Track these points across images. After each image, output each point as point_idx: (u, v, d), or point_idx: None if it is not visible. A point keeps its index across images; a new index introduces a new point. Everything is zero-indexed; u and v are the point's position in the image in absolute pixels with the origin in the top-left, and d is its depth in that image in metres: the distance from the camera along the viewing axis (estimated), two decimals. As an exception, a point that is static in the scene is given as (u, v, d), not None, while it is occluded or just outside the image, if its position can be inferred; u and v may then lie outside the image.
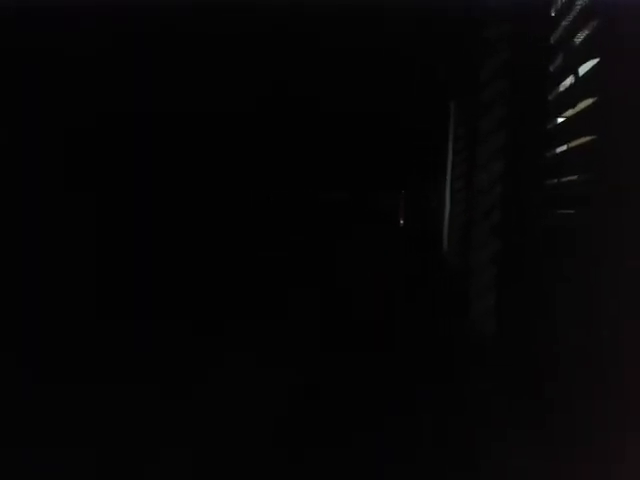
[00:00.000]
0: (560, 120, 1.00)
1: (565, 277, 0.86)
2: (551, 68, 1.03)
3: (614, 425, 0.62)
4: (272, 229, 2.68)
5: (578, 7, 0.88)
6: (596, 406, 0.66)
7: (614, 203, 0.67)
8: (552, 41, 1.01)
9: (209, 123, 2.26)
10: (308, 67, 2.31)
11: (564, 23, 0.95)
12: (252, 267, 2.33)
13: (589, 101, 0.86)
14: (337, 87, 2.53)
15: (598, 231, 0.72)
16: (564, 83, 0.98)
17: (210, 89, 2.19)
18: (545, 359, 0.89)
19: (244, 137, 2.50)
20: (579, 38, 0.88)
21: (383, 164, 3.13)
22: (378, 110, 2.73)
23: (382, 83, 2.43)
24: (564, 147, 0.97)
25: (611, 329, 0.65)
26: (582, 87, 0.87)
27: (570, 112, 0.94)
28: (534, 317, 0.94)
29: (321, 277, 2.33)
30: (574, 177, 0.91)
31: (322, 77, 2.42)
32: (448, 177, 2.23)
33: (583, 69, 0.87)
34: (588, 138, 0.85)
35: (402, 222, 3.19)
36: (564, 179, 0.96)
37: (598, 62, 0.77)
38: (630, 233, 0.64)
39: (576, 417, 0.72)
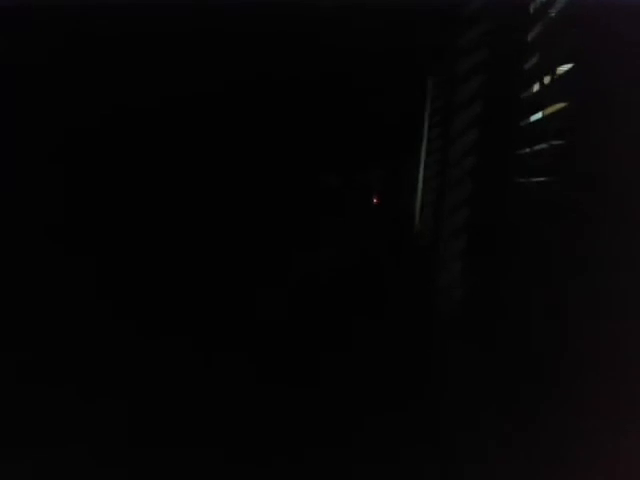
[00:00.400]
0: (535, 88, 0.98)
1: (536, 247, 0.86)
2: (528, 37, 1.02)
3: (584, 393, 0.62)
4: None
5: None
6: (569, 376, 0.65)
7: (587, 169, 0.66)
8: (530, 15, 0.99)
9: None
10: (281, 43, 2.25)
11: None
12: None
13: (564, 69, 0.85)
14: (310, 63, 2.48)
15: (572, 199, 0.71)
16: (539, 50, 0.96)
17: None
18: (511, 328, 0.89)
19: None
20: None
21: (356, 142, 3.09)
22: (350, 86, 2.70)
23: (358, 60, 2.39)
24: (538, 115, 0.96)
25: (584, 298, 0.64)
26: (556, 56, 0.86)
27: (546, 79, 0.93)
28: (502, 287, 0.94)
29: (291, 257, 2.31)
30: (547, 145, 0.90)
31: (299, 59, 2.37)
32: (423, 153, 2.22)
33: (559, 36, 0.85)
34: (562, 104, 0.84)
35: (375, 201, 3.18)
36: (537, 147, 0.95)
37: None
38: (605, 199, 0.63)
39: (545, 388, 0.72)
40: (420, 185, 2.22)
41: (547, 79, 0.92)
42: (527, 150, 0.98)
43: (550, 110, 0.90)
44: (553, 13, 0.87)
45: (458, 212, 1.24)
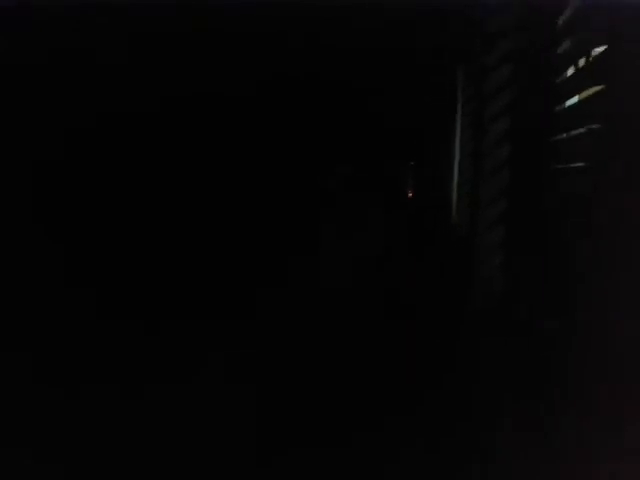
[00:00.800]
0: (569, 73, 0.96)
1: (575, 238, 0.84)
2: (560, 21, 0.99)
3: (622, 391, 0.61)
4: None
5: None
6: (608, 370, 0.64)
7: (627, 161, 0.65)
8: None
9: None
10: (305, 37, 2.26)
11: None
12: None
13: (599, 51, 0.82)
14: (339, 58, 2.47)
15: (610, 191, 0.69)
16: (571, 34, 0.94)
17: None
18: (551, 322, 0.87)
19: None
20: None
21: (390, 135, 3.07)
22: (381, 81, 2.68)
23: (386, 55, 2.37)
24: (574, 100, 0.94)
25: (622, 290, 0.63)
26: (589, 39, 0.83)
27: (580, 62, 0.90)
28: (542, 278, 0.93)
29: (327, 250, 2.32)
30: (584, 129, 0.87)
31: (323, 48, 2.37)
32: (457, 143, 2.19)
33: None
34: (597, 88, 0.82)
35: (410, 193, 3.15)
36: (574, 134, 0.93)
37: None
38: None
39: (585, 382, 0.71)
40: (455, 176, 2.18)
41: (581, 63, 0.90)
42: (564, 136, 0.96)
43: (585, 94, 0.88)
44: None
45: (495, 203, 1.22)
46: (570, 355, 0.76)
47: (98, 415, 1.10)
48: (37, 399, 1.14)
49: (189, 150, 2.12)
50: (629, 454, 0.55)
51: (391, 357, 1.29)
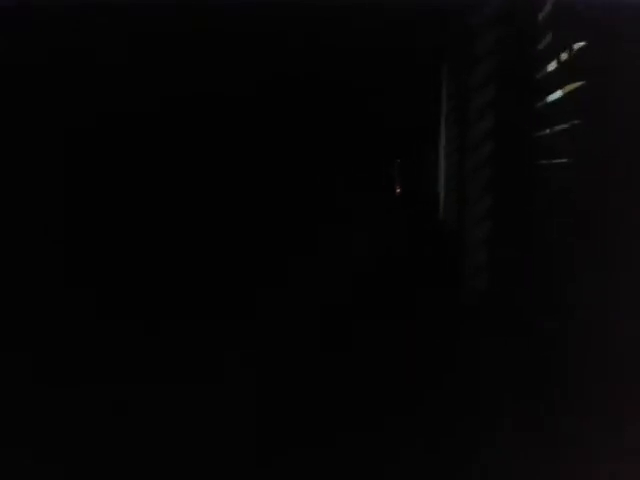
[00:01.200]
0: (551, 67, 0.96)
1: (561, 234, 0.84)
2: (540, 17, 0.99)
3: (611, 384, 0.61)
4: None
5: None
6: (594, 366, 0.64)
7: (611, 156, 0.65)
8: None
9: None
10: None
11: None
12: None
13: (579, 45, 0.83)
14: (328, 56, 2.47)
15: (596, 183, 0.69)
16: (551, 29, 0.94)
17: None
18: (537, 315, 0.87)
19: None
20: None
21: (375, 133, 3.07)
22: (366, 80, 2.68)
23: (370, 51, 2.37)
24: (557, 95, 0.94)
25: (609, 285, 0.63)
26: (569, 35, 0.83)
27: (563, 56, 0.90)
28: (527, 273, 0.93)
29: (313, 250, 2.32)
30: (567, 125, 0.87)
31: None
32: (442, 140, 2.19)
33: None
34: (579, 84, 0.82)
35: (398, 190, 3.16)
36: (557, 128, 0.93)
37: None
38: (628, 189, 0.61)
39: (579, 380, 0.71)
40: (442, 172, 2.19)
41: (562, 58, 0.90)
42: (546, 131, 0.96)
43: (568, 89, 0.88)
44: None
45: (480, 199, 1.22)
46: (562, 352, 0.76)
47: (98, 415, 1.09)
48: (36, 399, 1.14)
49: (188, 150, 2.12)
50: (629, 454, 0.55)
51: (382, 355, 1.29)
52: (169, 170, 2.03)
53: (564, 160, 0.87)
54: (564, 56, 0.89)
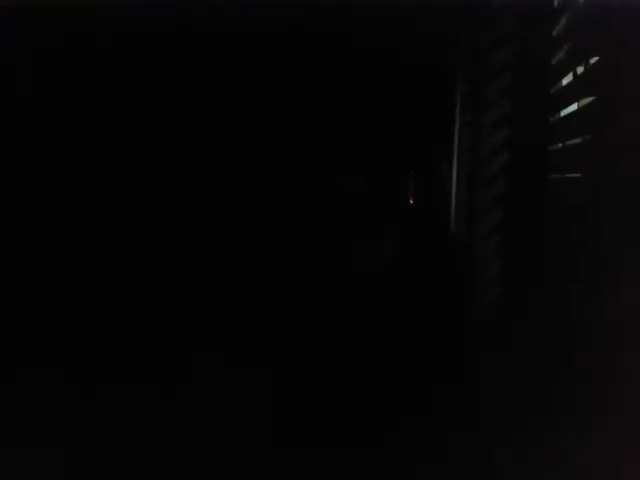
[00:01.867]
0: (565, 81, 0.96)
1: (573, 245, 0.83)
2: (554, 32, 0.99)
3: (625, 396, 0.60)
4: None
5: None
6: (607, 376, 0.63)
7: (625, 171, 0.64)
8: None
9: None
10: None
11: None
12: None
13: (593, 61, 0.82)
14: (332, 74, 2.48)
15: (608, 196, 0.69)
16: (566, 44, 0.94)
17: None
18: (549, 328, 0.86)
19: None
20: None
21: (390, 144, 3.07)
22: (380, 87, 2.69)
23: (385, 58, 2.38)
24: (570, 109, 0.93)
25: (621, 298, 0.62)
26: (583, 49, 0.83)
27: (577, 70, 0.90)
28: (539, 286, 0.92)
29: (326, 259, 2.32)
30: (580, 140, 0.87)
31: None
32: (455, 152, 2.19)
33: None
34: (592, 99, 0.82)
35: (411, 202, 3.16)
36: (570, 143, 0.93)
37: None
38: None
39: (584, 391, 0.70)
40: (454, 184, 2.19)
41: (576, 73, 0.90)
42: (559, 145, 0.96)
43: (582, 104, 0.88)
44: (579, 5, 0.85)
45: (492, 212, 1.21)
46: (574, 366, 0.75)
47: (98, 415, 1.10)
48: (37, 399, 1.14)
49: (190, 151, 2.14)
50: (629, 454, 0.54)
51: (390, 366, 1.28)
52: (177, 171, 2.05)
53: (577, 175, 0.87)
54: (578, 70, 0.89)
